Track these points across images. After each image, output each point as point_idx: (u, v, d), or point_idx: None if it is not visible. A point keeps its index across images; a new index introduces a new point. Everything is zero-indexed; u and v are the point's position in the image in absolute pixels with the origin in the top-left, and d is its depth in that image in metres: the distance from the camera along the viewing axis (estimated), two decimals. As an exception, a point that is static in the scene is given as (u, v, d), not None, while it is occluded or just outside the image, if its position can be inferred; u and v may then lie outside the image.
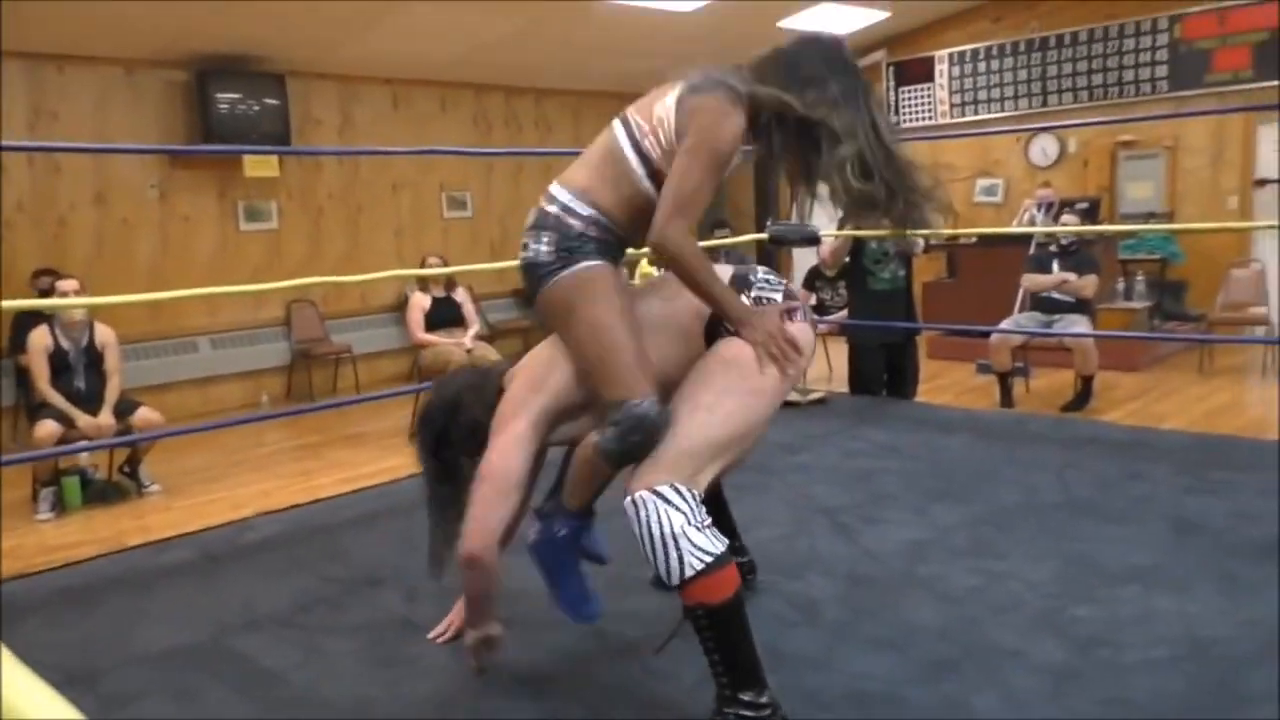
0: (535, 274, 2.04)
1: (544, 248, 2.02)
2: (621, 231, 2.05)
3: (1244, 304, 6.71)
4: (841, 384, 5.57)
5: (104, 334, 5.06)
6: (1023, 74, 8.40)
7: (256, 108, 7.15)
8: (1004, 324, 5.83)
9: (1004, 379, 5.80)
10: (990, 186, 8.75)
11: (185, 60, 6.87)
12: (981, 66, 8.63)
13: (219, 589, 2.94)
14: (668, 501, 1.83)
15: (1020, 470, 3.57)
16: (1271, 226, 4.14)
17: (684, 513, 1.83)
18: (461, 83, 8.47)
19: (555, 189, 2.08)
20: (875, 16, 8.37)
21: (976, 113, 8.71)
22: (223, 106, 6.98)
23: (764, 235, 4.91)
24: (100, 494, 4.90)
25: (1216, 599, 2.43)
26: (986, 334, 5.85)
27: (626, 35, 7.57)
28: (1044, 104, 8.30)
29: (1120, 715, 1.95)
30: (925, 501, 3.26)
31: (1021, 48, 8.35)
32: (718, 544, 1.84)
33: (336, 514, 3.70)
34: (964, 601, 2.47)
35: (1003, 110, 8.55)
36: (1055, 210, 7.02)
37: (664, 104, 1.99)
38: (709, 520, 1.87)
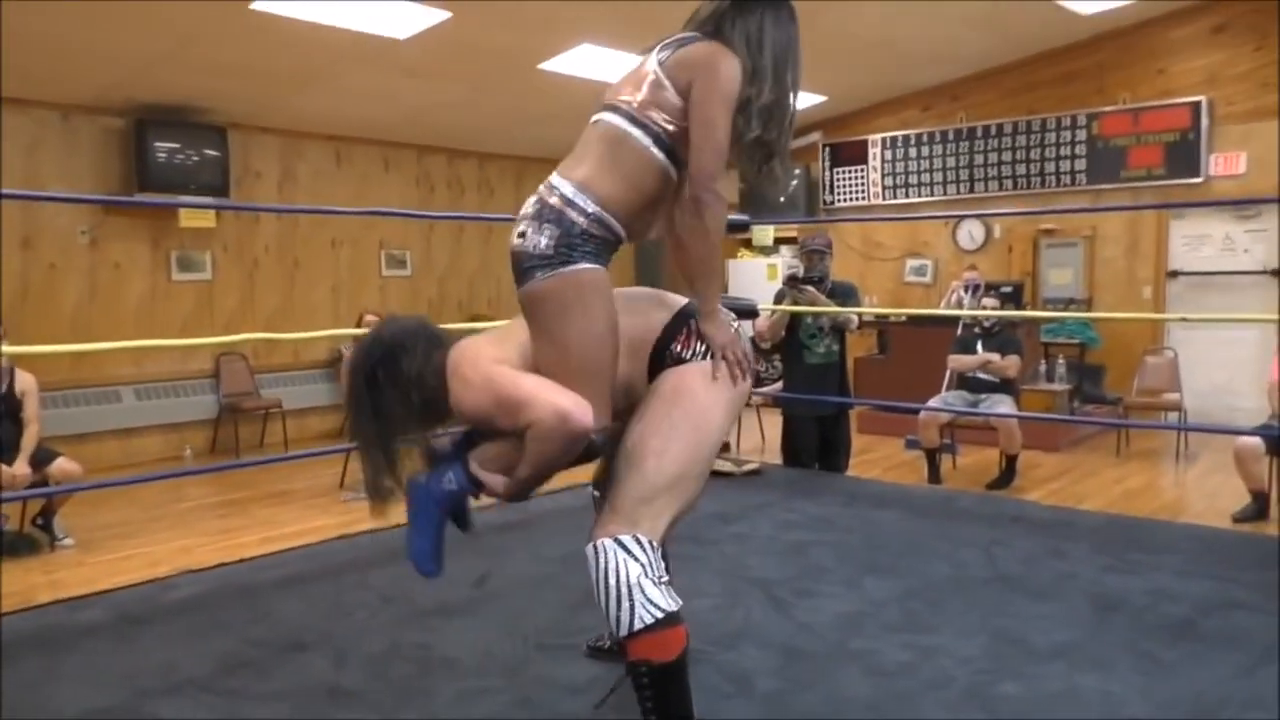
0: (528, 264, 1.95)
1: (543, 239, 1.93)
2: (622, 229, 2.00)
3: (1158, 390, 6.99)
4: (775, 455, 5.63)
5: (24, 381, 4.90)
6: (951, 161, 8.73)
7: (196, 158, 7.09)
8: (932, 402, 5.98)
9: (932, 455, 5.92)
10: (920, 267, 9.02)
11: (125, 108, 6.81)
12: (912, 152, 8.96)
13: (137, 650, 2.84)
14: (628, 551, 1.84)
15: (950, 546, 3.65)
16: (1182, 319, 4.35)
17: (642, 564, 1.84)
18: (405, 143, 8.52)
19: (556, 180, 2.01)
20: (812, 100, 8.67)
21: (907, 195, 9.01)
22: (161, 155, 6.91)
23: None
24: (11, 546, 4.70)
25: (1136, 678, 2.50)
26: (916, 411, 5.99)
27: (570, 103, 7.68)
28: (971, 190, 8.63)
29: (1046, 792, 1.98)
30: (858, 575, 3.31)
31: (950, 136, 8.70)
32: (671, 601, 1.85)
33: (260, 574, 3.61)
34: (896, 676, 2.51)
35: (932, 194, 8.86)
36: (980, 292, 7.27)
37: (646, 74, 1.98)
38: (666, 576, 1.88)
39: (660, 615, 1.81)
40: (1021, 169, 8.31)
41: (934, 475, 5.90)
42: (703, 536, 3.76)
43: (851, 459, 5.28)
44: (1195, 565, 3.41)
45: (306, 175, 7.98)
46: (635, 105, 1.97)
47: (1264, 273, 7.26)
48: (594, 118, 2.05)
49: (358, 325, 6.25)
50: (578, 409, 1.83)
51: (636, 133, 1.95)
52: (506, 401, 1.89)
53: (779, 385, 6.08)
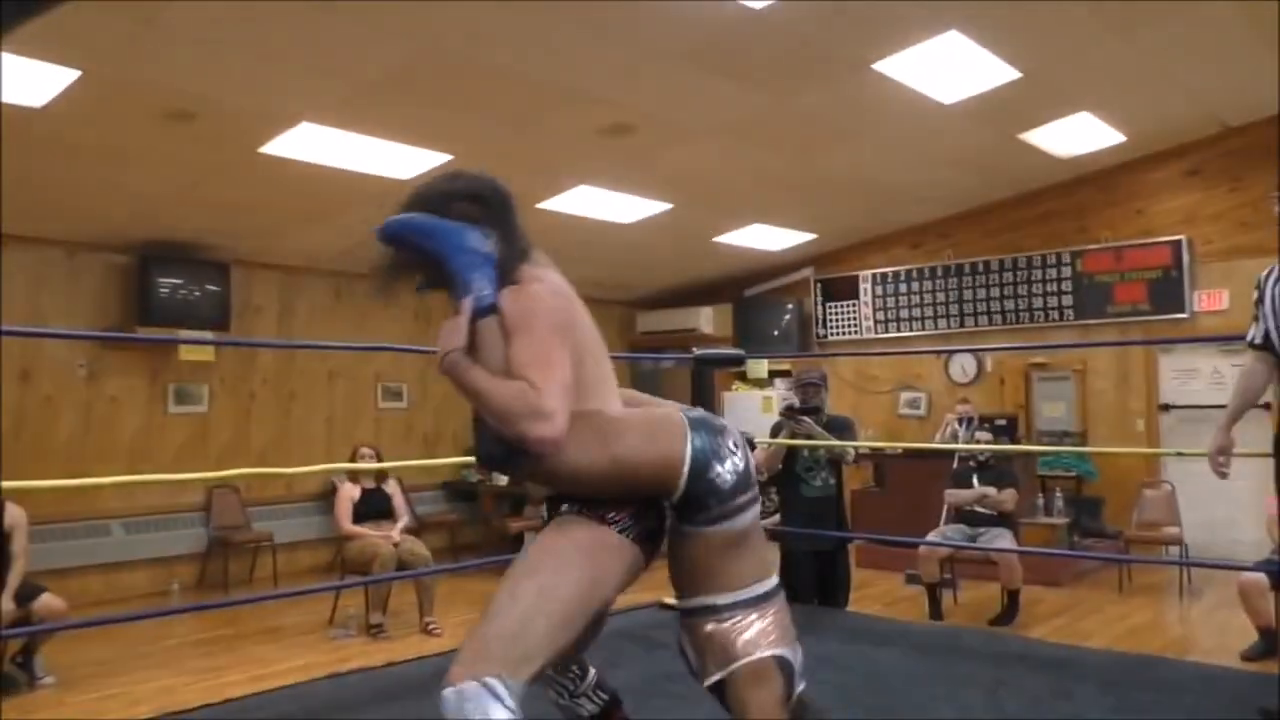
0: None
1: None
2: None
3: (1158, 523, 6.94)
4: (772, 591, 5.55)
5: (14, 515, 4.85)
6: (941, 296, 8.91)
7: (198, 293, 7.21)
8: (930, 536, 5.93)
9: (932, 590, 5.84)
10: (914, 400, 9.08)
11: (130, 245, 6.95)
12: (903, 288, 9.14)
13: (115, 798, 2.73)
14: (495, 695, 1.73)
15: (954, 686, 3.56)
16: (1177, 454, 4.36)
17: (509, 710, 1.73)
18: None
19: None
20: (803, 237, 8.91)
21: (899, 330, 9.15)
22: (163, 290, 7.03)
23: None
24: (-13, 687, 4.56)
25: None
26: (915, 545, 5.93)
27: (566, 241, 7.90)
28: (961, 324, 8.78)
29: None
30: (861, 717, 3.22)
31: (939, 272, 8.90)
32: None
33: (246, 715, 3.50)
34: (904, 824, 2.42)
35: (924, 329, 9.00)
36: (974, 425, 7.30)
37: None
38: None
39: None
40: (1010, 304, 8.47)
41: (935, 611, 5.80)
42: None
43: (851, 594, 5.20)
44: (1205, 706, 3.33)
45: (305, 310, 8.10)
46: None
47: (1256, 407, 7.31)
48: None
49: (351, 459, 6.23)
50: (553, 433, 1.81)
51: None
52: (531, 348, 1.85)
53: (776, 518, 6.04)
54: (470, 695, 1.73)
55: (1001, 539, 5.75)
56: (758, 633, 2.02)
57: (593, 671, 2.42)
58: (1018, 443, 7.80)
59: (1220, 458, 3.57)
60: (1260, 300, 3.37)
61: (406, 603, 5.76)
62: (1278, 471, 3.36)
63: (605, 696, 2.46)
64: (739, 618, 2.02)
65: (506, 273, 2.01)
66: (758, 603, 2.05)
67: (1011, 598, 5.64)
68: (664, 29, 4.79)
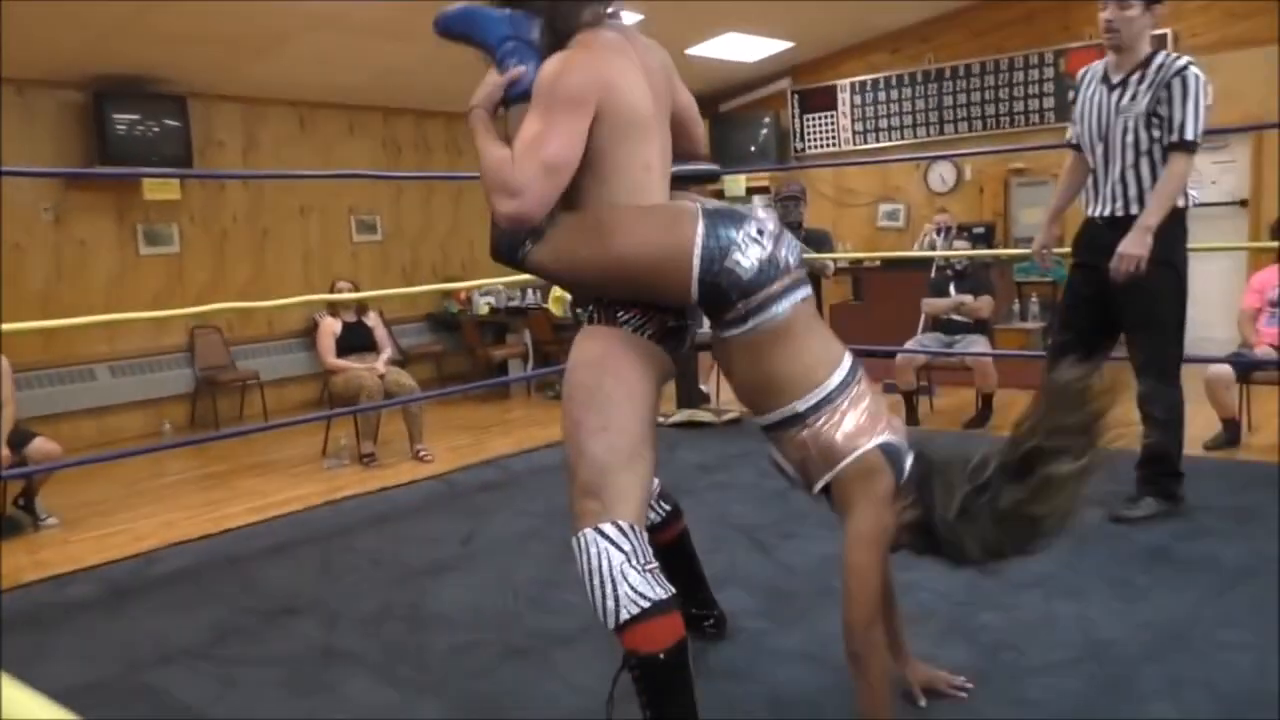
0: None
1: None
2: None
3: (1181, 336, 7.04)
4: (754, 404, 5.67)
5: (-4, 362, 4.85)
6: (920, 103, 8.71)
7: (156, 129, 6.98)
8: (908, 345, 6.02)
9: (909, 398, 5.98)
10: (892, 211, 9.04)
11: (81, 81, 6.67)
12: (881, 95, 8.93)
13: (127, 624, 2.86)
14: (609, 539, 1.75)
15: (927, 485, 3.69)
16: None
17: (625, 552, 1.74)
18: (370, 106, 8.40)
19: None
20: (779, 46, 8.61)
21: (878, 140, 9.00)
22: (120, 128, 6.80)
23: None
24: (-7, 529, 4.69)
25: (1111, 603, 2.56)
26: (892, 354, 6.03)
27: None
28: (941, 132, 8.62)
29: (1024, 715, 2.04)
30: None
31: (919, 78, 8.67)
32: (658, 589, 1.74)
33: (247, 544, 3.63)
34: (878, 612, 2.56)
35: (902, 138, 8.85)
36: (953, 234, 7.30)
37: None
38: (653, 562, 1.78)
39: (646, 605, 1.72)
40: (990, 109, 8.31)
41: (912, 417, 5.96)
42: (684, 486, 3.80)
43: (830, 404, 5.31)
44: (1168, 493, 3.47)
45: (270, 142, 7.87)
46: None
47: (1233, 203, 7.32)
48: None
49: (330, 291, 6.21)
50: (515, 209, 1.76)
51: None
52: (530, 121, 1.80)
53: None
54: (587, 541, 1.78)
55: (977, 345, 5.85)
56: (854, 427, 1.85)
57: (656, 481, 2.33)
58: (995, 250, 7.82)
59: (1044, 251, 3.75)
60: (1075, 103, 3.48)
61: (396, 432, 5.88)
62: None
63: (668, 508, 2.43)
64: (825, 417, 1.85)
65: (558, 45, 1.91)
66: (840, 393, 1.86)
67: (986, 401, 5.79)
68: None
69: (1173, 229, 3.26)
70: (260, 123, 7.82)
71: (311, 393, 7.92)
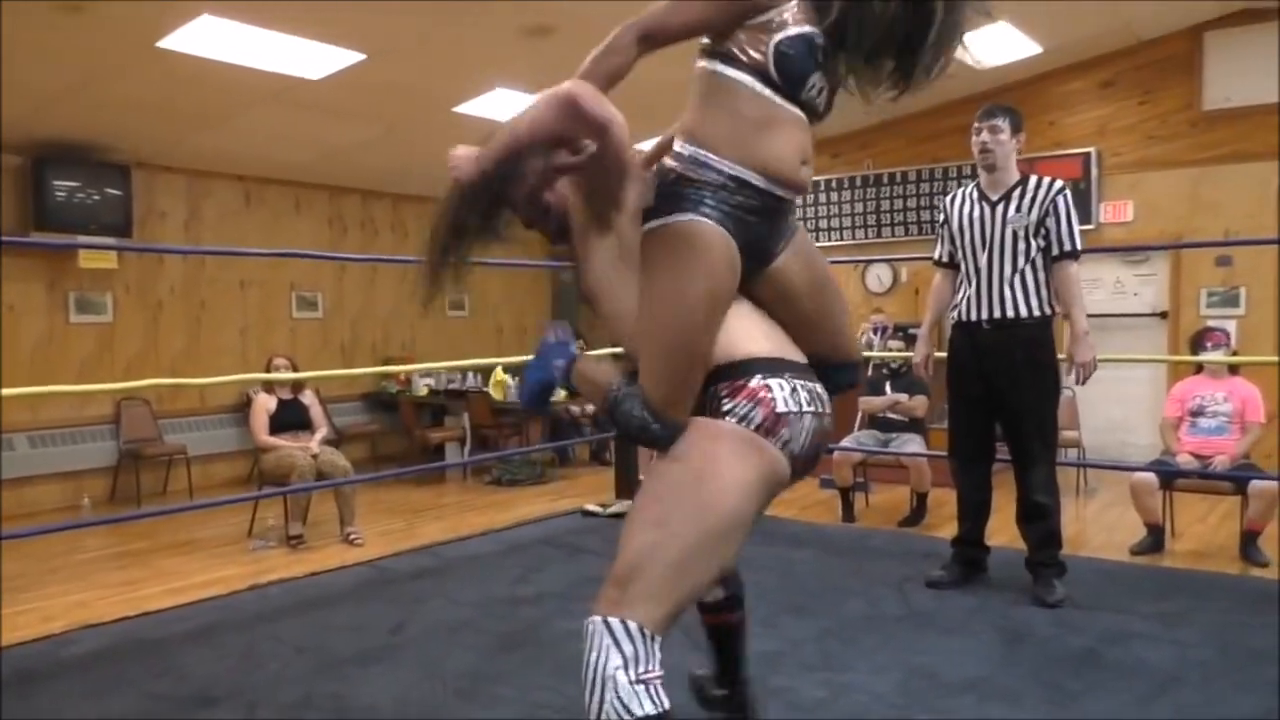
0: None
1: (650, 194, 1.84)
2: (743, 170, 1.80)
3: (1059, 427, 7.22)
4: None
5: (-91, 429, 4.66)
6: (859, 207, 8.99)
7: (96, 197, 6.89)
8: (845, 441, 6.10)
9: (846, 494, 6.03)
10: (830, 309, 9.22)
11: (22, 145, 6.58)
12: (822, 198, 9.20)
13: (34, 710, 2.71)
14: (613, 637, 1.64)
15: (864, 583, 3.71)
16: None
17: (625, 656, 1.63)
18: (317, 184, 8.42)
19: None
20: (726, 145, 8.85)
21: (818, 240, 9.22)
22: (60, 194, 6.70)
23: (619, 349, 5.01)
24: (-110, 605, 4.44)
25: (1043, 707, 2.57)
26: (830, 451, 6.09)
27: (483, 145, 7.72)
28: (879, 235, 8.88)
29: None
30: (776, 614, 3.34)
31: (858, 183, 8.96)
32: (647, 704, 1.62)
33: (165, 628, 3.49)
34: (814, 712, 2.54)
35: (841, 239, 9.10)
36: (888, 334, 7.46)
37: None
38: (654, 672, 1.65)
39: (628, 718, 1.61)
40: (926, 214, 8.59)
41: (848, 514, 6.00)
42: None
43: (767, 499, 5.33)
44: (1097, 597, 3.54)
45: (213, 215, 7.82)
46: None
47: (1153, 315, 7.62)
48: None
49: (266, 369, 6.11)
50: (579, 93, 1.70)
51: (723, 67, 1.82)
52: (546, 99, 1.75)
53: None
54: (594, 630, 1.66)
55: (912, 444, 5.94)
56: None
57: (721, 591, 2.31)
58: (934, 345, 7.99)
59: (928, 360, 4.08)
60: (946, 221, 3.81)
61: (327, 513, 5.74)
62: None
63: (725, 593, 2.31)
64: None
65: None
66: None
67: (920, 500, 5.86)
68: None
69: (1047, 334, 3.64)
70: (205, 195, 7.78)
71: (240, 469, 7.73)
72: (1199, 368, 5.24)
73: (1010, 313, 3.58)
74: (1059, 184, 3.66)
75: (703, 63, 1.84)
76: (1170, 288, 7.54)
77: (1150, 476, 4.97)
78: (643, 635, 1.64)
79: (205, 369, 7.43)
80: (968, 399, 3.74)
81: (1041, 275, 3.60)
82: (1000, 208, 3.65)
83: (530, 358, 2.13)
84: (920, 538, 5.05)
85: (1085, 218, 7.76)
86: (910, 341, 7.70)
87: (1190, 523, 5.57)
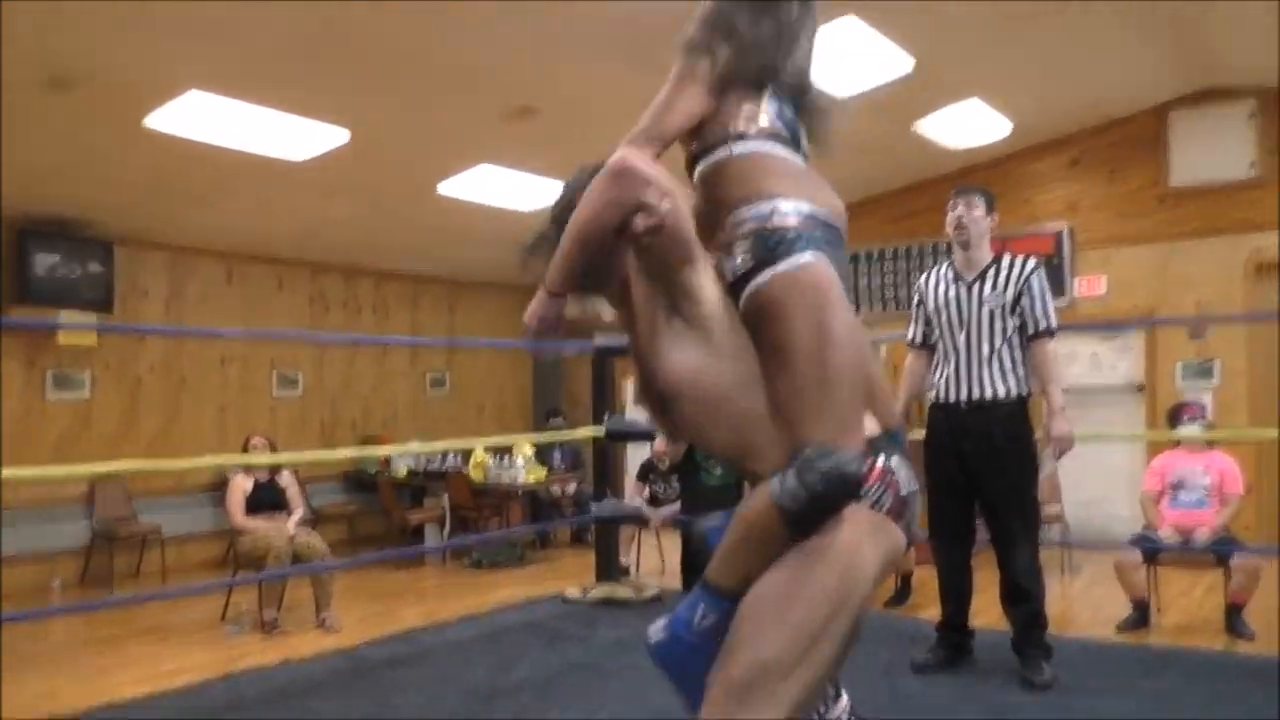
0: (735, 292, 1.76)
1: (739, 260, 1.74)
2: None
3: (1042, 502, 7.21)
4: (676, 579, 5.61)
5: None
6: (838, 281, 9.07)
7: (79, 272, 6.89)
8: (827, 517, 6.07)
9: (829, 571, 5.98)
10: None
11: (6, 219, 6.59)
12: (802, 273, 9.28)
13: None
14: None
15: (849, 668, 3.65)
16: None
17: None
18: (299, 261, 8.45)
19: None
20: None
21: (798, 314, 9.29)
22: (41, 269, 6.69)
23: (600, 429, 5.01)
24: None
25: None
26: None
27: (468, 224, 7.80)
28: (856, 312, 8.95)
29: None
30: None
31: (837, 258, 9.06)
32: None
33: (134, 719, 3.39)
34: (800, 807, 2.47)
35: (821, 313, 9.16)
36: (870, 409, 7.47)
37: None
38: None
39: None
40: (904, 291, 8.69)
41: (832, 591, 5.94)
42: (602, 666, 3.69)
43: (751, 578, 5.28)
44: (1086, 677, 3.50)
45: (196, 293, 7.82)
46: None
47: (1130, 387, 7.68)
48: None
49: (244, 450, 6.05)
50: (632, 161, 1.72)
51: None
52: (600, 181, 1.75)
53: (677, 506, 6.09)
54: None
55: (895, 520, 5.92)
56: None
57: (845, 697, 2.16)
58: (909, 427, 8.02)
59: None
60: (920, 302, 3.85)
61: (302, 597, 5.64)
62: None
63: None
64: None
65: None
66: None
67: (905, 580, 5.82)
68: (569, 12, 4.74)
69: (1025, 413, 3.64)
70: (188, 273, 7.79)
71: (215, 550, 7.61)
72: (1177, 441, 5.28)
73: (988, 393, 3.59)
74: (1033, 262, 3.70)
75: (707, 163, 1.84)
76: (1146, 360, 7.62)
77: (1134, 553, 4.96)
78: None
79: (184, 446, 7.35)
80: (946, 480, 3.73)
81: (1018, 354, 3.62)
82: (976, 287, 3.68)
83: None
84: (905, 619, 5.00)
85: (1060, 292, 7.87)
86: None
87: (1175, 597, 5.55)
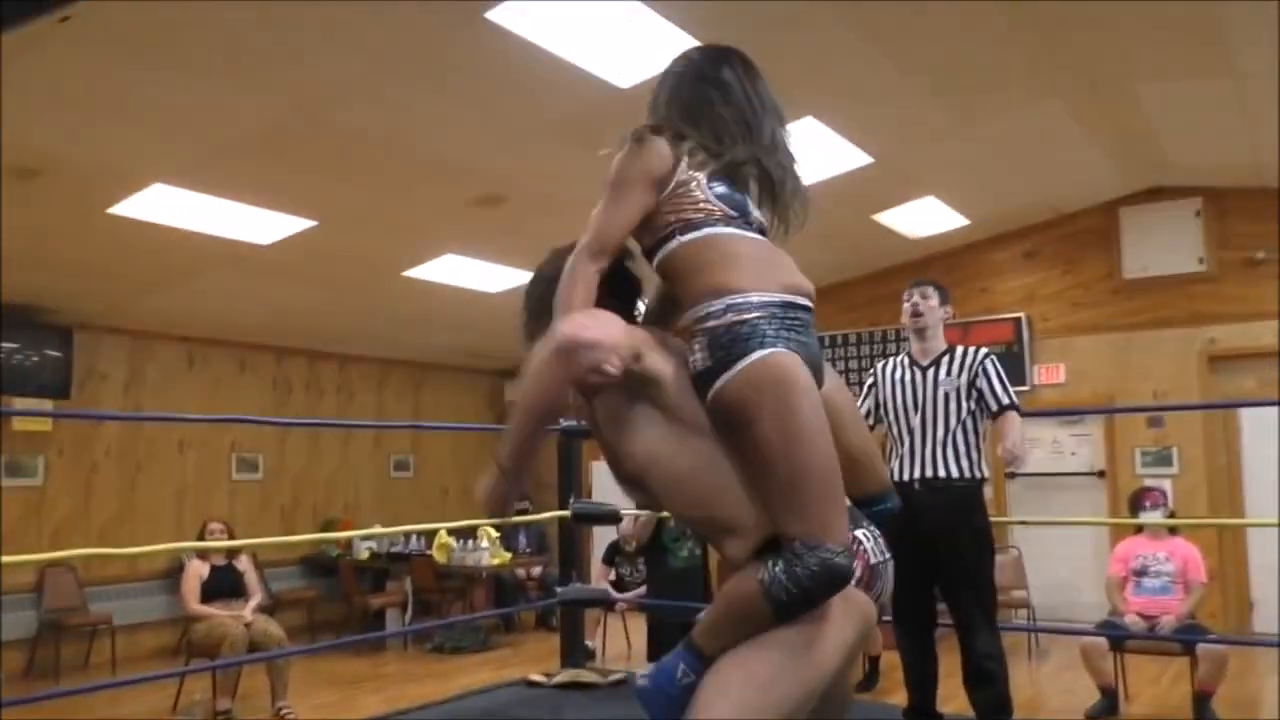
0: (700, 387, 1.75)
1: (698, 358, 1.74)
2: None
3: (1006, 587, 7.20)
4: (641, 662, 5.51)
5: None
6: (803, 368, 9.16)
7: (36, 358, 6.80)
8: (794, 603, 6.02)
9: (796, 659, 5.91)
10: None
11: (-37, 306, 6.53)
12: (766, 359, 9.37)
13: None
14: None
15: (817, 755, 3.59)
16: (1019, 521, 4.61)
17: None
18: (262, 344, 8.40)
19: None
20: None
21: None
22: (-2, 355, 6.61)
23: (566, 512, 4.96)
24: None
25: None
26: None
27: (434, 308, 7.82)
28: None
29: None
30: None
31: (801, 345, 9.16)
32: None
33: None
34: None
35: (786, 399, 9.22)
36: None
37: None
38: None
39: None
40: (869, 375, 8.77)
41: (799, 680, 5.86)
42: (568, 754, 3.59)
43: (718, 665, 5.21)
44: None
45: (156, 377, 7.73)
46: None
47: (1091, 474, 7.77)
48: None
49: (200, 536, 5.92)
50: (572, 333, 1.69)
51: None
52: (543, 360, 1.72)
53: (643, 589, 6.03)
54: None
55: (862, 606, 5.88)
56: None
57: None
58: (876, 510, 8.02)
59: None
60: (874, 385, 3.96)
61: (258, 686, 5.48)
62: None
63: None
64: None
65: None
66: None
67: (873, 664, 5.76)
68: (532, 103, 4.85)
69: (979, 499, 3.68)
70: (147, 357, 7.72)
71: (168, 639, 7.38)
72: (1139, 527, 5.32)
73: (942, 472, 3.62)
74: (984, 350, 3.80)
75: (661, 254, 1.86)
76: (1105, 447, 7.72)
77: (1100, 640, 4.95)
78: None
79: (139, 533, 7.19)
80: (903, 562, 3.70)
81: (972, 439, 3.67)
82: (931, 372, 3.76)
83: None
84: (874, 705, 4.93)
85: (1020, 379, 8.00)
86: (855, 502, 7.75)
87: (1143, 685, 5.53)
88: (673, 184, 1.83)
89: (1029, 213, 7.83)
